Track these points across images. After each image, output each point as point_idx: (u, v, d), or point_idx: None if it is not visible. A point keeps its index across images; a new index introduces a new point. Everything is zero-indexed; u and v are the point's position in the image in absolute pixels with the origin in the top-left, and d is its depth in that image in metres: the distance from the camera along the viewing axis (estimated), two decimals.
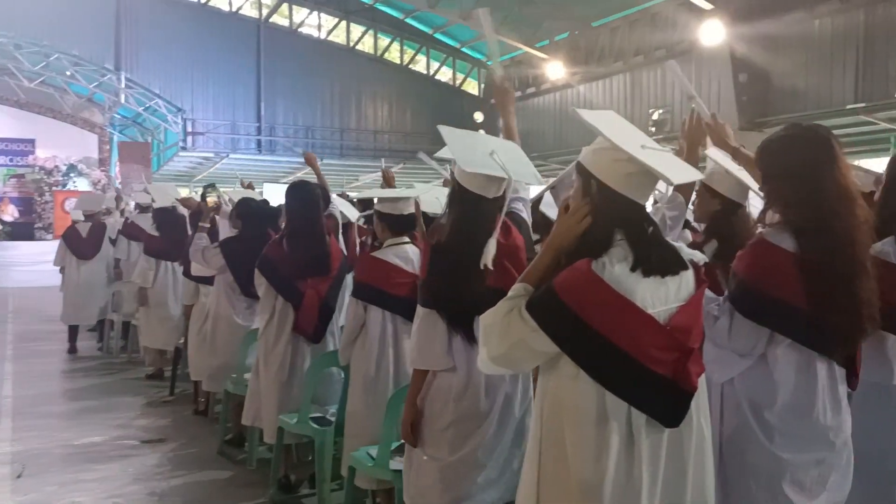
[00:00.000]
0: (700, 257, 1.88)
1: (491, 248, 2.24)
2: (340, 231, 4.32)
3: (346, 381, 3.56)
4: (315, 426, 3.60)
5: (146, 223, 6.80)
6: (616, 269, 1.72)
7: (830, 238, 2.04)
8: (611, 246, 1.75)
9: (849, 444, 2.18)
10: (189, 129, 20.85)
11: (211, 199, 5.48)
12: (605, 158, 1.77)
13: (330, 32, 22.53)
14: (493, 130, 20.69)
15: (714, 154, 2.86)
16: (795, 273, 2.06)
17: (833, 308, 2.04)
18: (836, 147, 2.10)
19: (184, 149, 20.66)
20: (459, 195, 2.42)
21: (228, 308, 4.68)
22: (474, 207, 2.40)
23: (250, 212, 4.58)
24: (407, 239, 3.44)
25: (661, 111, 15.46)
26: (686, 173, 1.94)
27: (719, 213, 2.72)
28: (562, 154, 16.84)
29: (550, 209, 3.22)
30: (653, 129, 15.42)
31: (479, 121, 20.35)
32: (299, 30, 22.37)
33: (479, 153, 2.28)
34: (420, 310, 2.56)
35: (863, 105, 11.68)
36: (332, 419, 3.64)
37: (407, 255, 3.40)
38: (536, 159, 8.20)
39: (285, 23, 22.27)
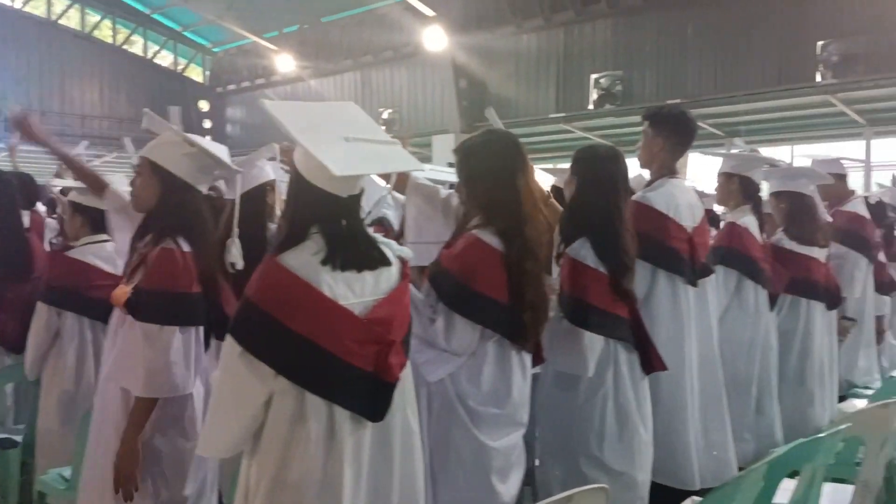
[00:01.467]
0: (407, 253, 1.91)
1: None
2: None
3: (36, 396, 3.15)
4: None
5: None
6: (306, 261, 1.69)
7: (527, 240, 2.23)
8: (305, 239, 1.72)
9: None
10: None
11: None
12: (300, 151, 1.74)
13: (26, 2, 19.86)
14: (218, 120, 19.87)
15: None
16: (501, 271, 2.21)
17: (525, 303, 2.23)
18: (524, 153, 2.29)
19: None
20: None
21: None
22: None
23: None
24: (106, 237, 3.11)
25: (390, 111, 15.93)
26: (363, 166, 1.80)
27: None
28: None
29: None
30: (383, 127, 15.79)
31: (204, 110, 19.34)
32: None
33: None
34: (151, 327, 2.24)
35: (563, 115, 13.07)
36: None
37: (108, 253, 3.07)
38: None
39: None
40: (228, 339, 1.69)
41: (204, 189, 2.42)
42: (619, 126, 12.82)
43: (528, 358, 2.36)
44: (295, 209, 1.77)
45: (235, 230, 2.29)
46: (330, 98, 17.06)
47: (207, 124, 19.34)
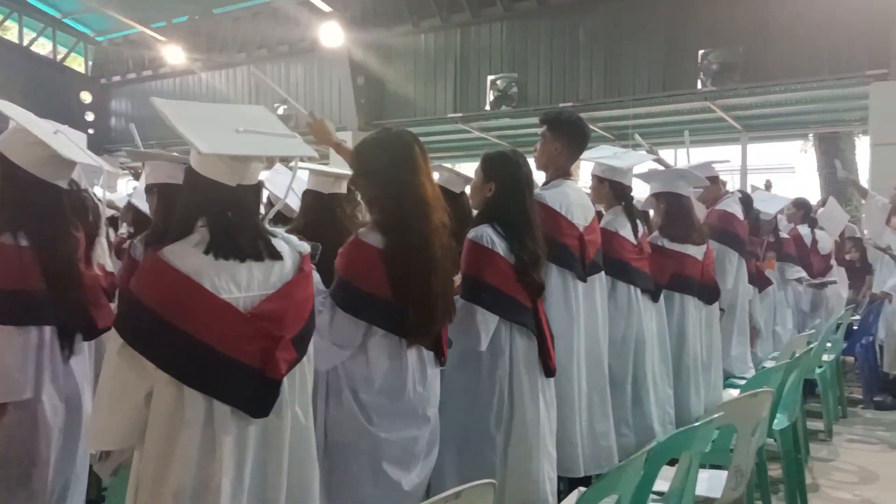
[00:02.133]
0: (306, 248, 1.90)
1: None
2: None
3: None
4: None
5: None
6: (187, 255, 1.66)
7: (409, 237, 2.25)
8: (191, 232, 1.70)
9: (436, 415, 2.41)
10: None
11: None
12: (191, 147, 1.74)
13: None
14: (102, 113, 18.89)
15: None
16: (382, 268, 2.22)
17: (411, 301, 2.25)
18: (419, 153, 2.31)
19: None
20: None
21: None
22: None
23: None
24: None
25: (286, 106, 15.61)
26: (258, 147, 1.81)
27: (312, 207, 2.94)
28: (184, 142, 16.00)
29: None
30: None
31: (86, 101, 18.33)
32: None
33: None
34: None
35: (460, 115, 13.20)
36: None
37: None
38: (156, 146, 7.67)
39: None
40: (112, 332, 1.68)
41: (63, 183, 2.28)
42: (515, 127, 13.09)
43: (428, 354, 2.37)
44: (184, 202, 1.77)
45: (102, 229, 2.21)
46: (222, 92, 16.59)
47: (90, 117, 18.33)
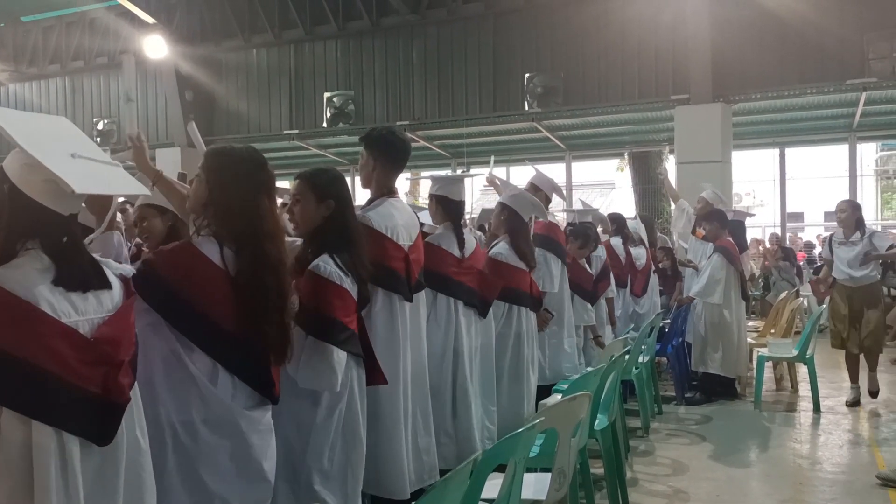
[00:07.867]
0: (129, 271, 1.88)
1: None
2: None
3: None
4: None
5: None
6: (22, 278, 1.58)
7: (263, 258, 2.15)
8: (16, 255, 1.62)
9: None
10: None
11: None
12: (18, 162, 1.66)
13: None
14: None
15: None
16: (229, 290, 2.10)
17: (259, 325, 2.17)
18: (271, 171, 2.26)
19: None
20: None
21: None
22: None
23: None
24: None
25: (106, 121, 14.68)
26: (116, 186, 1.85)
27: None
28: None
29: None
30: (98, 139, 14.52)
31: None
32: None
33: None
34: None
35: (297, 132, 13.02)
36: None
37: None
38: None
39: None
40: None
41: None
42: (353, 145, 13.08)
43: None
44: (8, 223, 1.65)
45: None
46: (34, 104, 15.33)
47: None
